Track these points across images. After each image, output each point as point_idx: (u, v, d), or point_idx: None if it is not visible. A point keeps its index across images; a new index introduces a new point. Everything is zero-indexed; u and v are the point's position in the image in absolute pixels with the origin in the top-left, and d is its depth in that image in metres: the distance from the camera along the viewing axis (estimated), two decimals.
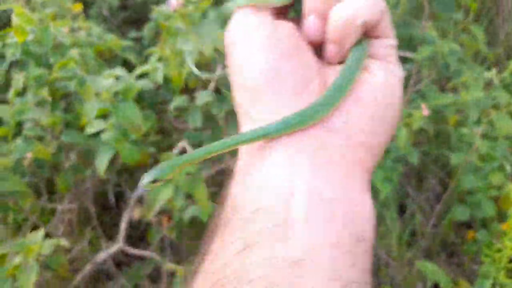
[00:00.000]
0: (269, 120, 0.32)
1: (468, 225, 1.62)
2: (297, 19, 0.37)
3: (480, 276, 1.43)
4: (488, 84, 1.59)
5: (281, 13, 0.37)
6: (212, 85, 1.20)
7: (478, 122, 1.50)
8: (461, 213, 1.46)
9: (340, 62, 0.35)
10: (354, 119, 0.31)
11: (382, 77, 0.33)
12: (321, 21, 0.34)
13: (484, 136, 1.50)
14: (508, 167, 1.42)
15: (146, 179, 0.34)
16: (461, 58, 1.45)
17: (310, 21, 0.34)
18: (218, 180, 1.58)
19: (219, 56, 0.88)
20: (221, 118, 1.05)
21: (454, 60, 1.35)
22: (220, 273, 0.27)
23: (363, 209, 0.28)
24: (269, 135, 0.31)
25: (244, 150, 0.34)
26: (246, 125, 0.34)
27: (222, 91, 0.93)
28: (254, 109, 0.33)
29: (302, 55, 0.34)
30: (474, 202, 1.46)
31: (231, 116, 0.95)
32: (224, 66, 1.16)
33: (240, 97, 0.34)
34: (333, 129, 0.31)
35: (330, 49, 0.34)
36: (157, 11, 1.07)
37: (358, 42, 0.34)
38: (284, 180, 0.28)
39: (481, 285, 1.40)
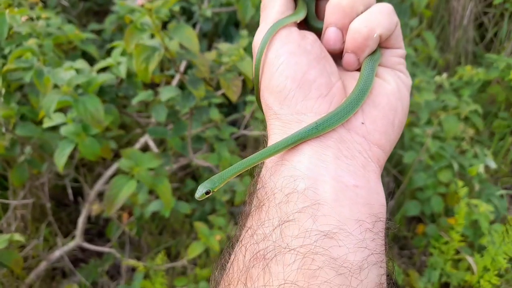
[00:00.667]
0: (296, 120, 0.36)
1: (418, 219, 1.71)
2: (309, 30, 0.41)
3: (429, 267, 1.52)
4: (439, 87, 1.69)
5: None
6: (175, 81, 1.20)
7: (429, 123, 1.59)
8: (412, 208, 1.54)
9: (356, 69, 0.40)
10: (370, 120, 0.36)
11: (394, 85, 0.38)
12: (340, 32, 0.38)
13: (435, 136, 1.59)
14: (455, 166, 1.51)
15: (200, 191, 0.36)
16: (415, 62, 1.53)
17: (331, 32, 0.38)
18: (179, 176, 1.58)
19: (186, 53, 0.88)
20: (185, 114, 1.05)
21: (409, 64, 1.42)
22: (260, 245, 0.31)
23: (379, 196, 0.33)
24: (304, 138, 0.34)
25: (273, 137, 0.37)
26: (275, 124, 0.37)
27: (185, 87, 0.93)
28: (283, 110, 0.37)
29: (326, 61, 0.38)
30: (424, 198, 1.55)
31: (196, 111, 0.95)
32: (188, 62, 1.16)
33: (269, 99, 0.38)
34: (352, 128, 0.36)
35: (349, 58, 0.39)
36: (120, 4, 1.05)
37: (373, 52, 0.38)
38: (312, 170, 0.33)
39: (429, 275, 1.48)
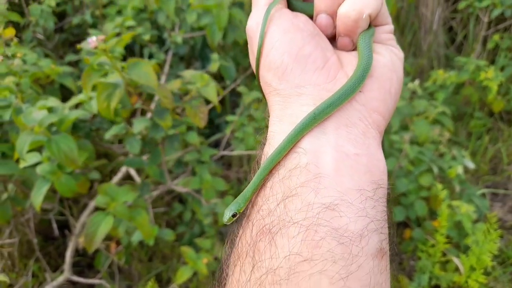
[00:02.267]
0: (296, 93, 0.37)
1: (405, 224, 1.74)
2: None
3: (418, 271, 1.54)
4: (414, 93, 1.74)
5: None
6: (149, 114, 1.22)
7: (406, 129, 1.63)
8: (397, 214, 1.57)
9: (352, 49, 0.41)
10: (368, 89, 0.37)
11: (388, 58, 0.40)
12: (331, 18, 0.40)
13: (412, 142, 1.63)
14: (435, 169, 1.55)
15: (227, 215, 0.36)
16: None
17: (322, 19, 0.40)
18: (166, 200, 1.58)
19: (146, 87, 0.90)
20: (158, 143, 1.07)
21: None
22: (266, 219, 0.32)
23: (380, 163, 0.34)
24: (317, 119, 0.35)
25: (274, 119, 0.38)
26: (275, 100, 0.38)
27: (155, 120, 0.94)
28: (282, 85, 0.38)
29: (319, 38, 0.40)
30: (408, 203, 1.58)
31: (167, 141, 0.97)
32: (158, 98, 1.18)
33: (268, 76, 0.39)
34: (352, 97, 0.37)
35: (343, 41, 0.41)
36: (78, 48, 1.07)
37: (365, 29, 0.40)
38: (314, 144, 0.34)
39: (419, 279, 1.51)
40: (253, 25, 0.41)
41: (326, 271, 0.28)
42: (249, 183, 0.39)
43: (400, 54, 0.42)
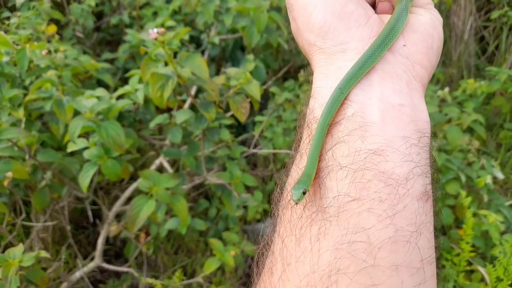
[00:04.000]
0: (340, 50, 0.38)
1: None
2: None
3: (441, 279, 1.52)
4: (443, 101, 1.73)
5: None
6: (187, 105, 1.26)
7: (434, 136, 1.62)
8: None
9: None
10: (411, 43, 0.39)
11: (428, 17, 0.41)
12: None
13: (441, 149, 1.62)
14: (463, 178, 1.54)
15: (296, 194, 0.34)
16: None
17: None
18: (192, 196, 1.62)
19: (197, 79, 0.94)
20: (197, 136, 1.11)
21: None
22: None
23: (423, 113, 0.36)
24: (364, 67, 0.36)
25: (319, 75, 0.39)
26: (319, 58, 0.40)
27: (197, 110, 0.99)
28: (326, 44, 0.39)
29: None
30: (434, 211, 1.56)
31: (208, 132, 1.01)
32: (199, 87, 1.22)
33: (311, 37, 0.40)
34: (395, 50, 0.39)
35: (383, 6, 0.42)
36: (137, 38, 1.12)
37: None
38: (359, 95, 0.36)
39: (443, 287, 1.49)
40: None
41: (374, 209, 0.30)
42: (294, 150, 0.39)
43: (439, 17, 0.42)
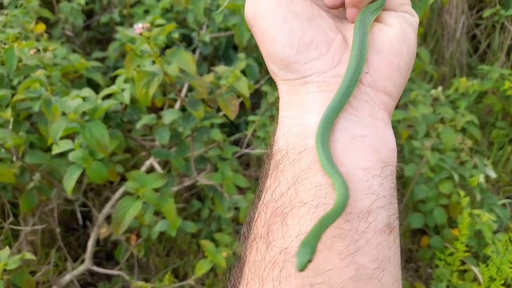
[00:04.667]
0: (302, 82, 0.37)
1: (423, 232, 1.72)
2: None
3: (435, 279, 1.52)
4: (436, 100, 1.73)
5: None
6: (178, 105, 1.24)
7: (427, 136, 1.62)
8: (415, 221, 1.56)
9: None
10: (374, 68, 0.37)
11: (398, 28, 0.38)
12: None
13: (434, 148, 1.62)
14: (456, 177, 1.54)
15: (301, 262, 0.29)
16: (411, 78, 1.57)
17: None
18: (185, 197, 1.60)
19: (184, 76, 0.93)
20: (187, 136, 1.09)
21: None
22: (278, 202, 0.34)
23: (388, 142, 0.35)
24: (331, 116, 0.35)
25: (283, 106, 0.38)
26: (283, 88, 0.39)
27: (187, 109, 0.97)
28: (288, 76, 0.38)
29: (320, 18, 0.39)
30: (427, 210, 1.57)
31: (197, 132, 0.99)
32: (189, 86, 1.20)
33: (274, 68, 0.39)
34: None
35: (351, 13, 0.39)
36: (122, 34, 1.10)
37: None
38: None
39: (436, 287, 1.49)
40: (250, 13, 0.40)
41: (334, 247, 0.30)
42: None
43: (414, 19, 0.39)
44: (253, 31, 0.40)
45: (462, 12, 2.27)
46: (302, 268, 0.30)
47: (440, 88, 1.60)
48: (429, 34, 2.32)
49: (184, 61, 0.89)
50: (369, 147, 0.34)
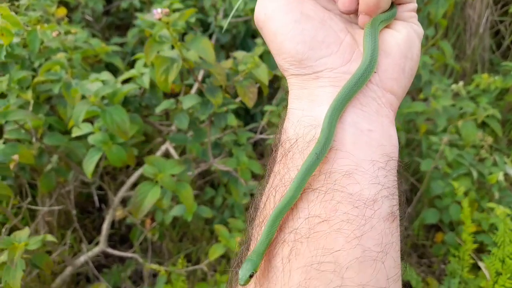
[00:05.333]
0: (314, 77, 0.39)
1: (437, 227, 1.70)
2: None
3: (448, 275, 1.50)
4: (456, 95, 1.69)
5: None
6: (194, 90, 1.24)
7: (445, 131, 1.59)
8: (430, 216, 1.54)
9: None
10: (382, 69, 0.39)
11: (405, 34, 0.41)
12: None
13: (452, 144, 1.59)
14: (475, 174, 1.51)
15: (243, 277, 0.34)
16: (432, 71, 1.54)
17: None
18: (199, 184, 1.61)
19: (203, 62, 0.92)
20: (204, 121, 1.09)
21: (426, 72, 1.43)
22: (288, 186, 0.35)
23: (392, 138, 0.37)
24: (339, 106, 0.36)
25: (292, 98, 0.40)
26: (293, 82, 0.41)
27: (204, 95, 0.97)
28: (299, 71, 0.40)
29: (331, 21, 0.41)
30: (442, 206, 1.54)
31: (214, 118, 0.99)
32: (207, 72, 1.20)
33: (284, 64, 0.41)
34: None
35: (363, 19, 0.42)
36: (141, 19, 1.10)
37: (386, 10, 0.41)
38: None
39: (449, 283, 1.47)
40: (261, 16, 0.42)
41: (342, 230, 0.31)
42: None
43: (420, 30, 0.42)
44: (263, 32, 0.42)
45: (486, 7, 2.21)
46: (243, 283, 0.33)
47: (461, 83, 1.57)
48: (451, 28, 2.27)
49: (203, 48, 0.88)
50: (375, 141, 0.36)
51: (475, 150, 1.58)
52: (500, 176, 1.49)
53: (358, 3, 0.41)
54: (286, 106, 0.41)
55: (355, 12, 0.42)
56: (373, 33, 0.39)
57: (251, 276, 0.34)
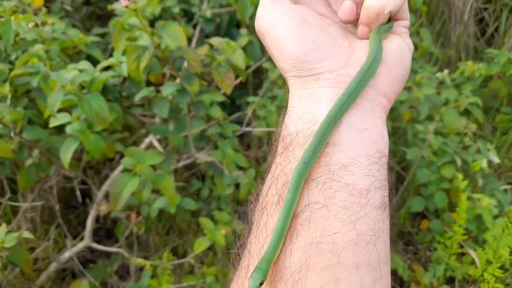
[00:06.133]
0: (314, 78, 0.42)
1: (423, 215, 1.72)
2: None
3: (433, 262, 1.52)
4: (441, 83, 1.70)
5: None
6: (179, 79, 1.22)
7: (431, 119, 1.59)
8: (416, 204, 1.55)
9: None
10: (379, 73, 0.43)
11: (398, 45, 0.45)
12: (355, 6, 0.45)
13: (437, 132, 1.60)
14: (458, 161, 1.52)
15: (253, 285, 0.35)
16: (414, 58, 1.54)
17: (347, 6, 0.44)
18: (185, 176, 1.60)
19: (176, 49, 0.90)
20: (184, 110, 1.07)
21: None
22: (289, 176, 0.38)
23: (384, 137, 0.41)
24: (342, 108, 0.39)
25: (293, 97, 0.43)
26: (294, 82, 0.43)
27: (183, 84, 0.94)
28: (301, 73, 0.43)
29: (329, 27, 0.45)
30: (428, 194, 1.56)
31: (193, 107, 0.97)
32: (182, 60, 1.18)
33: (286, 67, 0.43)
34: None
35: (362, 30, 0.45)
36: (109, 9, 1.07)
37: (383, 23, 0.45)
38: None
39: (434, 270, 1.49)
40: (262, 23, 0.44)
41: (339, 215, 0.35)
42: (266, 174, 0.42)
43: (411, 45, 0.47)
44: (265, 38, 0.45)
45: None
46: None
47: (446, 71, 1.58)
48: (436, 16, 2.27)
49: (174, 34, 0.86)
50: (370, 139, 0.39)
51: (459, 137, 1.59)
52: (484, 163, 1.50)
53: (357, 14, 0.45)
54: (287, 105, 0.44)
55: (354, 22, 0.46)
56: (378, 39, 0.43)
57: (261, 284, 0.36)
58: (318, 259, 0.34)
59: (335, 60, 0.42)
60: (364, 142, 0.39)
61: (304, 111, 0.41)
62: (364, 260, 0.34)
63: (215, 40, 0.96)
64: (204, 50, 0.93)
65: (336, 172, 0.37)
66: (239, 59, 0.92)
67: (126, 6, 0.81)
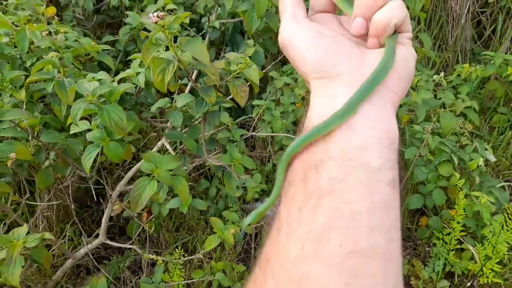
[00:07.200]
0: (334, 80, 0.48)
1: (422, 212, 1.77)
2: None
3: (433, 257, 1.58)
4: (438, 86, 1.76)
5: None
6: (188, 89, 1.28)
7: (428, 120, 1.65)
8: (415, 202, 1.61)
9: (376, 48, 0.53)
10: (389, 74, 0.49)
11: (404, 51, 0.52)
12: (365, 22, 0.51)
13: (435, 132, 1.66)
14: (455, 160, 1.58)
15: (245, 223, 0.47)
16: None
17: (358, 22, 0.51)
18: (193, 176, 1.66)
19: (198, 63, 0.95)
20: (198, 119, 1.13)
21: None
22: (311, 157, 0.44)
23: (394, 127, 0.46)
24: (354, 106, 0.45)
25: (313, 95, 0.48)
26: (314, 82, 0.49)
27: (197, 94, 1.01)
28: (321, 75, 0.49)
29: (341, 37, 0.52)
30: (426, 192, 1.61)
31: (208, 116, 1.04)
32: (200, 72, 1.24)
33: (306, 71, 0.50)
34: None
35: (372, 41, 0.52)
36: (136, 20, 1.13)
37: (391, 34, 0.51)
38: None
39: (433, 265, 1.55)
40: (286, 35, 0.52)
41: (355, 187, 0.40)
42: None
43: (414, 53, 0.53)
44: (288, 48, 0.52)
45: None
46: (246, 228, 0.46)
47: (442, 74, 1.63)
48: (433, 20, 2.33)
49: (198, 50, 0.92)
50: (382, 127, 0.44)
51: (457, 137, 1.65)
52: (481, 162, 1.56)
53: (367, 29, 0.51)
54: (309, 102, 0.49)
55: (364, 36, 0.52)
56: (392, 43, 0.50)
57: (249, 224, 0.45)
58: (339, 222, 0.39)
59: (350, 64, 0.48)
60: (376, 129, 0.44)
61: (324, 106, 0.47)
62: (378, 224, 0.39)
63: (231, 55, 1.02)
64: (221, 64, 0.99)
65: (351, 153, 0.42)
66: (254, 74, 0.98)
67: (156, 22, 0.87)
